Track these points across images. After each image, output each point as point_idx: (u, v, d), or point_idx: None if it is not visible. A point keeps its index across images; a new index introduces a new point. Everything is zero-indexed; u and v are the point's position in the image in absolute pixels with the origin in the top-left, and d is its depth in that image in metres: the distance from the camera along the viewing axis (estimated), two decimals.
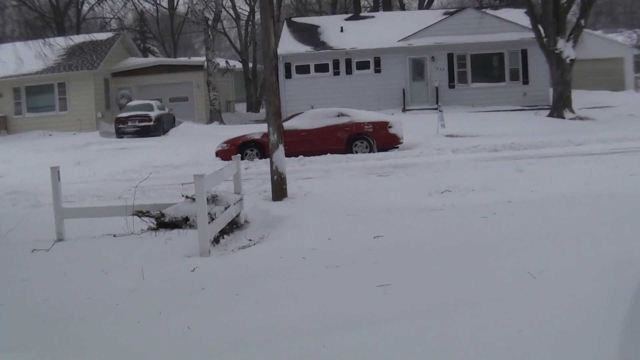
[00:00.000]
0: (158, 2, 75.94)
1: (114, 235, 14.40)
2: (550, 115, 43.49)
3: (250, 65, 67.77)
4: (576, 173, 21.34)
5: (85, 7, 68.69)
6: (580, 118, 42.31)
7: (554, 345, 6.68)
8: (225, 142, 31.83)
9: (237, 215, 15.61)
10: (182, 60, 63.00)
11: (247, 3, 67.75)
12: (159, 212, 14.87)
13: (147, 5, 74.69)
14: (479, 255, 10.59)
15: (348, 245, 12.37)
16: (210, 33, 54.91)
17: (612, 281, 8.19)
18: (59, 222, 14.67)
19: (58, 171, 14.93)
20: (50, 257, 12.90)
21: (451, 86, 50.28)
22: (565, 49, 42.92)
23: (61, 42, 45.99)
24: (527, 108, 47.72)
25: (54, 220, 14.68)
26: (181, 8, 75.05)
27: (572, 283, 8.42)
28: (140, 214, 14.95)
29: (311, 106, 37.76)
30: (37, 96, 51.37)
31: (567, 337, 6.81)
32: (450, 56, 50.40)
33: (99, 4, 69.02)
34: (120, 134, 45.54)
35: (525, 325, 7.15)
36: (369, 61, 50.56)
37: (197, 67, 55.43)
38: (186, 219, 14.49)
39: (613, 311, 7.24)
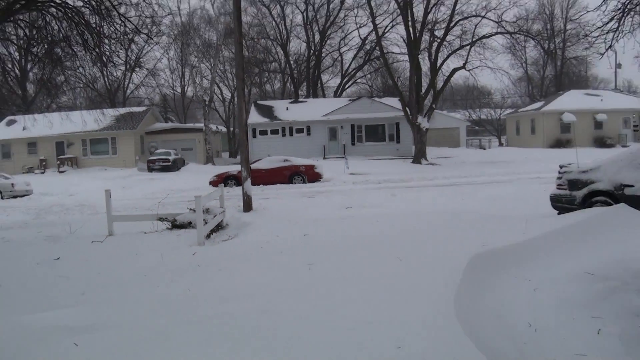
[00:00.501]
0: (174, 89, 76.20)
1: (145, 233, 14.37)
2: (413, 162, 43.66)
3: (231, 129, 67.80)
4: (428, 197, 21.68)
5: (129, 90, 68.48)
6: (432, 164, 42.47)
7: (416, 296, 6.90)
8: (215, 176, 31.85)
9: (221, 221, 15.65)
10: (189, 125, 62.86)
11: (229, 91, 68.13)
12: (173, 218, 14.93)
13: (168, 91, 74.95)
14: (368, 246, 10.62)
15: (288, 239, 12.40)
16: (206, 109, 55.17)
17: (450, 264, 8.32)
18: (110, 224, 14.74)
19: (110, 192, 15.14)
20: (103, 246, 12.91)
21: (353, 144, 50.47)
22: (423, 122, 43.46)
23: (112, 112, 46.60)
24: (399, 158, 47.89)
25: (106, 222, 14.74)
26: (189, 93, 75.24)
27: (425, 264, 8.51)
28: (161, 219, 15.05)
29: (268, 155, 38.04)
30: (96, 145, 51.20)
31: (423, 292, 7.01)
32: (352, 126, 50.61)
33: (137, 89, 69.39)
34: (150, 169, 45.51)
35: (397, 288, 7.36)
36: (303, 128, 50.80)
37: (198, 130, 55.48)
38: (190, 223, 14.59)
39: (450, 280, 7.48)
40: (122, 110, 50.26)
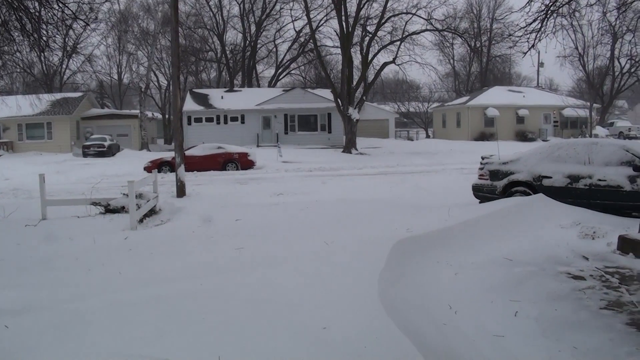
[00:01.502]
0: (111, 76, 74.60)
1: (78, 217, 14.02)
2: (343, 151, 43.81)
3: (167, 116, 66.77)
4: (357, 185, 21.88)
5: (66, 76, 66.80)
6: (362, 153, 42.80)
7: (342, 279, 6.99)
8: (150, 162, 31.17)
9: (155, 206, 15.49)
10: (125, 111, 61.60)
11: (166, 79, 66.99)
12: (107, 203, 14.67)
13: (105, 78, 73.29)
14: (297, 231, 10.68)
15: (220, 224, 12.32)
16: (142, 96, 54.29)
17: (375, 249, 8.35)
18: (43, 208, 14.34)
19: (44, 177, 14.76)
20: (36, 229, 12.55)
21: (286, 133, 50.39)
22: (354, 113, 43.69)
23: (48, 97, 45.38)
24: (330, 147, 48.03)
25: (40, 207, 14.37)
26: (126, 80, 73.93)
27: (351, 249, 8.58)
28: (95, 204, 14.73)
29: (202, 142, 37.65)
30: (32, 130, 49.65)
31: (349, 276, 7.09)
32: (286, 115, 50.59)
33: (74, 75, 67.71)
34: (85, 155, 44.24)
35: (324, 271, 7.45)
36: (238, 116, 50.45)
37: (134, 116, 54.40)
38: (123, 207, 14.26)
39: (375, 264, 7.54)
40: (59, 96, 49.19)
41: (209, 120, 50.67)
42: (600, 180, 12.16)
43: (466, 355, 5.36)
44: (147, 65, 57.65)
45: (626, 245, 8.96)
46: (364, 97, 47.18)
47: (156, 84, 69.87)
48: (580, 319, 6.16)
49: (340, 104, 43.79)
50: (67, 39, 22.71)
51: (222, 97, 53.10)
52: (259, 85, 71.34)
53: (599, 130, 54.44)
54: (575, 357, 5.26)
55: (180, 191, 18.95)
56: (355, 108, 44.29)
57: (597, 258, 8.78)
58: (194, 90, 58.01)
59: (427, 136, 71.16)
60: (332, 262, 7.97)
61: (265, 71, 78.11)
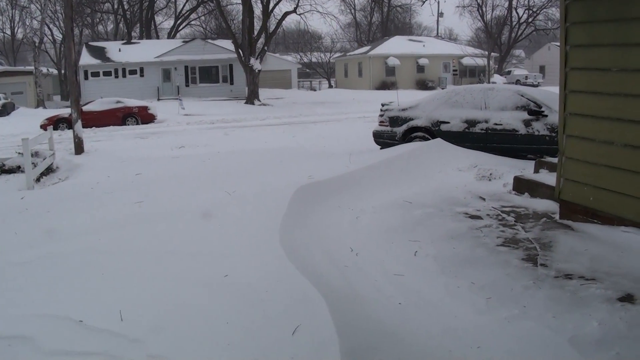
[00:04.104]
0: (3, 31, 71.50)
1: None
2: (246, 103, 43.41)
3: (63, 71, 64.37)
4: (260, 136, 21.81)
5: None
6: (264, 104, 42.58)
7: (244, 227, 7.00)
8: (46, 119, 29.63)
9: (52, 164, 15.18)
10: (19, 68, 59.12)
11: (60, 33, 64.41)
12: (1, 163, 14.34)
13: None
14: (199, 183, 10.56)
15: (120, 179, 12.14)
16: (36, 51, 52.00)
17: (277, 195, 8.34)
18: None
19: None
20: None
21: (187, 85, 49.47)
22: (255, 64, 43.33)
23: None
24: (233, 99, 47.49)
25: None
26: (19, 35, 70.74)
27: (253, 197, 8.52)
28: None
29: (101, 97, 36.49)
30: None
31: (251, 223, 7.11)
32: (186, 67, 49.65)
33: None
34: None
35: (225, 220, 7.39)
36: (137, 69, 49.07)
37: (29, 73, 51.98)
38: (19, 167, 13.88)
39: (277, 211, 7.54)
40: None
41: (107, 74, 48.97)
42: (496, 124, 12.48)
43: (367, 294, 5.43)
44: (41, 19, 55.15)
45: (521, 185, 9.24)
46: (266, 48, 46.79)
47: (51, 38, 67.35)
48: (478, 256, 6.31)
49: (242, 55, 43.28)
50: None
51: (119, 50, 51.33)
52: (158, 37, 69.62)
53: (496, 78, 55.76)
54: (472, 292, 5.40)
55: (78, 148, 18.43)
56: (257, 59, 43.89)
57: (494, 198, 9.01)
58: (90, 43, 55.98)
59: (330, 86, 71.34)
60: (234, 211, 7.91)
61: (165, 22, 76.38)
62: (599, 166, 7.11)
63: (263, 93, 47.67)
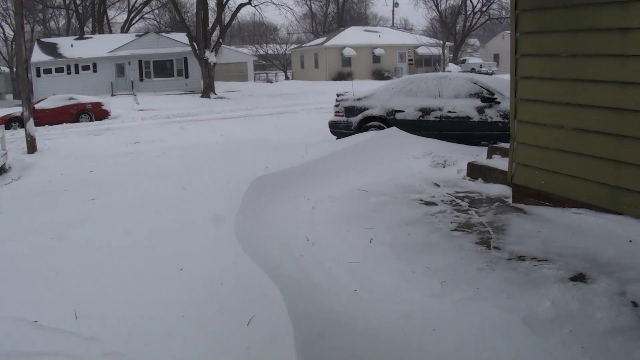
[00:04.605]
0: None
1: None
2: (202, 96, 43.19)
3: (14, 69, 63.27)
4: (216, 129, 21.66)
5: None
6: (221, 97, 42.38)
7: (199, 221, 6.93)
8: None
9: (4, 164, 15.05)
10: None
11: (11, 29, 63.23)
12: None
13: None
14: (154, 178, 10.46)
15: (74, 177, 11.92)
16: None
17: (232, 188, 8.33)
18: None
19: None
20: None
21: (141, 80, 49.01)
22: (210, 57, 43.10)
23: None
24: (188, 93, 47.20)
25: None
26: None
27: (208, 191, 8.52)
28: None
29: (53, 94, 35.93)
30: None
31: (206, 217, 7.01)
32: (140, 62, 49.15)
33: None
34: None
35: (181, 215, 7.29)
36: (90, 65, 48.40)
37: None
38: None
39: (232, 203, 7.51)
40: None
41: (60, 70, 48.21)
42: (450, 112, 12.62)
43: (323, 282, 5.47)
44: None
45: (475, 171, 9.36)
46: (221, 40, 46.56)
47: (2, 35, 66.11)
48: (433, 241, 6.38)
49: (197, 48, 43.00)
50: None
51: (72, 46, 50.45)
52: (111, 32, 68.70)
53: (451, 67, 56.32)
54: (427, 277, 5.47)
55: (31, 147, 18.21)
56: (212, 52, 43.63)
57: (449, 185, 9.12)
58: (41, 40, 54.95)
59: (286, 78, 71.36)
60: (189, 205, 7.89)
61: (118, 16, 75.48)
62: (550, 150, 7.24)
63: (219, 86, 47.39)
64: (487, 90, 12.46)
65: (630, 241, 5.93)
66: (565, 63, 6.88)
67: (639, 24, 5.93)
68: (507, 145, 8.54)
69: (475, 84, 12.73)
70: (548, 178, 7.33)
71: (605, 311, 4.53)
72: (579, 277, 5.16)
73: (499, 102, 12.11)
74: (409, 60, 61.26)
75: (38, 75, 47.32)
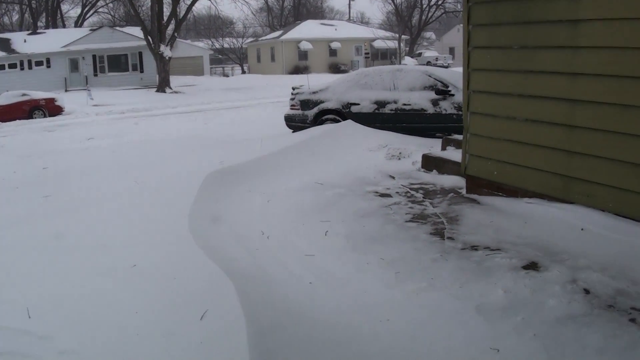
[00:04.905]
0: None
1: None
2: (157, 91, 42.76)
3: None
4: (172, 124, 21.60)
5: None
6: (176, 92, 42.00)
7: (152, 216, 6.94)
8: None
9: None
10: None
11: None
12: None
13: None
14: (107, 173, 10.37)
15: (27, 174, 11.67)
16: None
17: (187, 182, 8.32)
18: None
19: None
20: None
21: (96, 75, 48.31)
22: (166, 51, 42.69)
23: None
24: (143, 87, 46.64)
25: None
26: None
27: (162, 186, 8.50)
28: None
29: (6, 90, 35.24)
30: None
31: (160, 212, 7.06)
32: (94, 56, 48.44)
33: None
34: None
35: (134, 210, 7.31)
36: (43, 60, 47.49)
37: None
38: None
39: (186, 198, 7.51)
40: None
41: (12, 66, 47.11)
42: (405, 104, 12.70)
43: (277, 275, 5.45)
44: None
45: (429, 162, 9.42)
46: (176, 34, 46.10)
47: None
48: (387, 233, 6.41)
49: (152, 42, 42.54)
50: None
51: (25, 41, 49.44)
52: (64, 26, 67.67)
53: (407, 60, 56.68)
54: (382, 268, 5.48)
55: None
56: (167, 46, 43.19)
57: (404, 176, 9.16)
58: None
59: (243, 72, 71.07)
60: (142, 200, 7.84)
61: (71, 11, 74.17)
62: (502, 141, 7.31)
63: (175, 80, 46.98)
64: (442, 82, 12.58)
65: (582, 230, 6.02)
66: (516, 55, 6.96)
67: (588, 16, 6.02)
68: (461, 137, 8.60)
69: (429, 76, 12.84)
70: (501, 169, 7.41)
71: (557, 298, 4.60)
72: (532, 266, 5.23)
73: (453, 95, 12.22)
74: (365, 53, 61.47)
75: None
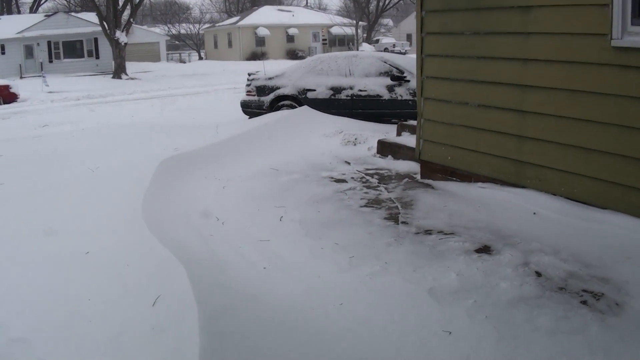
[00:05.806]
0: None
1: None
2: (113, 77, 42.09)
3: None
4: (127, 111, 21.20)
5: None
6: (132, 78, 41.46)
7: (105, 203, 6.81)
8: None
9: None
10: None
11: None
12: None
13: None
14: (60, 161, 10.09)
15: None
16: None
17: (140, 169, 8.22)
18: None
19: None
20: None
21: (51, 61, 47.42)
22: (121, 37, 42.06)
23: None
24: (99, 74, 46.02)
25: None
26: None
27: (116, 173, 8.36)
28: None
29: None
30: None
31: (113, 199, 6.94)
32: (49, 43, 47.52)
33: None
34: None
35: (87, 198, 7.19)
36: None
37: None
38: None
39: (140, 184, 7.42)
40: None
41: None
42: (361, 90, 12.70)
43: (231, 261, 5.41)
44: None
45: (385, 148, 9.45)
46: (132, 20, 45.41)
47: None
48: (342, 218, 6.41)
49: (107, 28, 41.87)
50: None
51: None
52: (19, 12, 66.38)
53: (365, 47, 56.72)
54: (336, 252, 5.47)
55: None
56: (123, 31, 42.55)
57: (359, 162, 9.19)
58: None
59: (200, 58, 70.42)
60: (96, 187, 7.70)
61: None
62: (455, 126, 7.36)
63: (131, 67, 46.36)
64: (397, 68, 12.60)
65: (534, 213, 6.11)
66: (468, 41, 6.99)
67: (539, 2, 6.07)
68: (415, 123, 8.64)
69: (385, 62, 12.86)
70: (454, 154, 7.45)
71: (509, 281, 4.66)
72: (484, 249, 5.29)
73: (408, 81, 12.25)
74: (323, 40, 61.46)
75: None
